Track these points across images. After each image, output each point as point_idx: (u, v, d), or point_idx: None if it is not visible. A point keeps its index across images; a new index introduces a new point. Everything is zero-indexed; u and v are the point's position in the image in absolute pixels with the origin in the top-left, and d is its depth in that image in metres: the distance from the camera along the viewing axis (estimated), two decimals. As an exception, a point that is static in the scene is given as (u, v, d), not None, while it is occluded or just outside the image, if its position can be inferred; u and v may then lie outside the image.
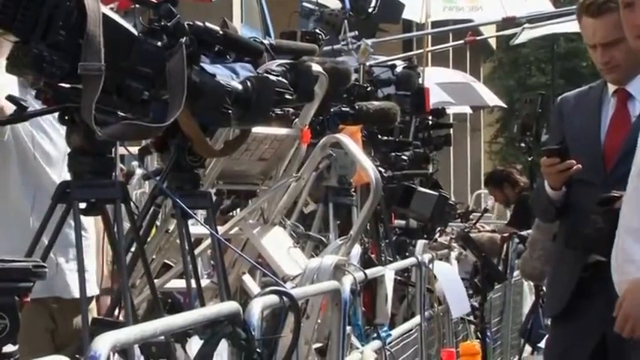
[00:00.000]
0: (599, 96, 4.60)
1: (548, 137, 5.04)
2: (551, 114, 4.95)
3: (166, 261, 4.65)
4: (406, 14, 8.27)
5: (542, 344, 7.50)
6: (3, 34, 3.37)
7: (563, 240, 4.53)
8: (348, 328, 4.50)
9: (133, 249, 3.83)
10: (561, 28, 12.33)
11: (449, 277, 6.87)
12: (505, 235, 9.13)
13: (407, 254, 7.03)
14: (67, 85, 3.33)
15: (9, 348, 2.47)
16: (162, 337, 3.45)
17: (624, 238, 3.57)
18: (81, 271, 3.51)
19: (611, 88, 4.59)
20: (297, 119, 4.66)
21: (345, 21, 6.56)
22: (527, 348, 8.53)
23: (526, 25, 10.79)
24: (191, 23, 3.59)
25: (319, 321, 4.59)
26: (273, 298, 3.60)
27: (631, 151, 4.05)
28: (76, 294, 4.00)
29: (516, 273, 8.77)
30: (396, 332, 5.70)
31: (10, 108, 3.79)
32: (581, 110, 4.62)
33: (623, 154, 4.32)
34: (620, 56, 4.44)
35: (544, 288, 7.40)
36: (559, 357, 4.59)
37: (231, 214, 5.57)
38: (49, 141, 4.25)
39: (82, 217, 3.56)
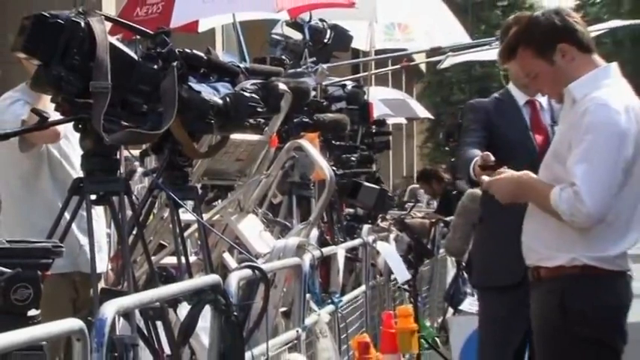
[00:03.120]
0: (516, 106, 4.51)
1: (472, 128, 4.57)
2: (469, 113, 4.61)
3: (161, 242, 4.62)
4: (354, 44, 8.24)
5: (462, 307, 7.52)
6: (29, 58, 3.34)
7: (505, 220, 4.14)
8: (308, 296, 4.49)
9: (134, 232, 3.80)
10: (477, 56, 12.38)
11: (391, 254, 6.88)
12: (433, 220, 9.14)
13: (355, 236, 7.01)
14: (81, 100, 3.31)
15: (33, 312, 2.44)
16: (158, 303, 3.43)
17: None
18: (92, 250, 3.49)
19: (521, 99, 4.52)
20: (266, 128, 4.63)
21: (306, 49, 6.54)
22: (450, 310, 8.54)
23: (449, 54, 10.81)
24: (181, 50, 3.57)
25: (284, 290, 4.58)
26: (248, 272, 3.60)
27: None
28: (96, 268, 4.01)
29: (442, 251, 8.79)
30: (346, 298, 5.69)
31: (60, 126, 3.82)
32: (504, 115, 4.49)
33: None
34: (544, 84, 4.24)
35: (463, 263, 7.42)
36: (503, 320, 4.39)
37: (214, 204, 5.54)
38: (73, 149, 4.23)
39: (95, 207, 3.54)
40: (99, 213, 4.16)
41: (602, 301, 3.57)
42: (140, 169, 6.08)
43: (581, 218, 3.45)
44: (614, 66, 3.70)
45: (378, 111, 10.52)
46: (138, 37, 3.72)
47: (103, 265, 4.03)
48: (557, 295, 3.60)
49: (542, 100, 4.51)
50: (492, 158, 3.85)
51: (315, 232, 5.17)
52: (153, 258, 4.01)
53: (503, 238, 4.19)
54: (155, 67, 3.45)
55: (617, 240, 3.54)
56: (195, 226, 4.51)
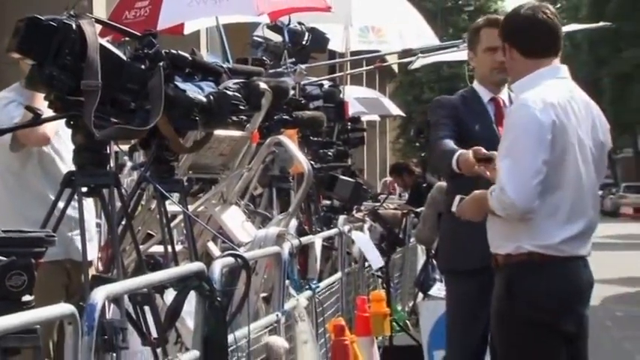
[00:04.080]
0: (481, 103, 4.51)
1: (442, 123, 4.48)
2: (438, 109, 4.54)
3: (149, 231, 4.60)
4: (331, 45, 8.22)
5: (431, 292, 7.53)
6: (23, 58, 3.32)
7: None
8: (287, 282, 4.49)
9: (123, 222, 3.78)
10: (446, 58, 12.39)
11: (366, 243, 6.88)
12: (404, 211, 9.15)
13: (331, 226, 7.01)
14: (73, 98, 3.28)
15: (26, 298, 2.43)
16: (146, 289, 3.41)
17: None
18: (83, 240, 3.47)
19: (486, 96, 4.52)
20: (248, 124, 4.63)
21: (285, 51, 6.52)
22: (420, 295, 8.57)
23: (420, 55, 10.80)
24: (167, 51, 3.55)
25: (265, 276, 4.57)
26: (230, 260, 3.59)
27: None
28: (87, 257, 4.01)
29: (412, 240, 8.81)
30: (323, 284, 5.69)
31: (50, 130, 3.79)
32: (471, 110, 4.48)
33: None
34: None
35: (432, 251, 7.43)
36: (469, 303, 4.37)
37: (199, 196, 5.52)
38: (65, 145, 4.20)
39: (85, 200, 3.52)
40: (89, 204, 4.14)
41: (547, 286, 3.59)
42: (129, 163, 6.06)
43: (509, 209, 3.54)
44: (563, 68, 3.75)
45: (353, 109, 10.52)
46: (126, 38, 3.70)
47: (92, 253, 4.02)
48: (506, 280, 3.65)
49: (505, 97, 4.54)
50: (483, 151, 3.88)
51: (294, 222, 5.16)
52: (141, 247, 4.00)
53: (467, 227, 4.13)
54: (143, 67, 3.43)
55: (558, 229, 3.60)
56: (181, 216, 4.50)
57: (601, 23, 16.58)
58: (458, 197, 3.80)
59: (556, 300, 3.61)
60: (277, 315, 4.29)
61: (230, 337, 3.45)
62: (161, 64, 3.43)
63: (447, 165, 4.15)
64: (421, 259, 8.77)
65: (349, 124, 8.16)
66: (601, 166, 3.77)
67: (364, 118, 13.39)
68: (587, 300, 3.73)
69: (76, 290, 4.13)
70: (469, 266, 4.40)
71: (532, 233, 3.59)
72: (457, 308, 4.54)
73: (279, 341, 4.12)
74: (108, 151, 3.49)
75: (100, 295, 2.50)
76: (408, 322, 8.31)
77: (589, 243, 3.72)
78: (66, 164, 4.12)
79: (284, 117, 5.67)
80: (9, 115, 4.11)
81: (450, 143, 4.27)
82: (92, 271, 4.00)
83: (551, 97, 3.60)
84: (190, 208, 4.46)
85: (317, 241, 5.69)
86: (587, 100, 3.77)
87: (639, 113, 38.52)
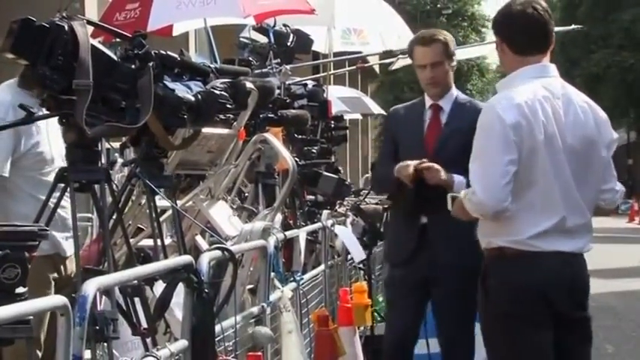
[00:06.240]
0: (421, 110, 4.77)
1: (384, 138, 5.23)
2: (384, 122, 5.21)
3: (139, 225, 4.58)
4: (314, 47, 8.23)
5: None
6: (16, 59, 3.30)
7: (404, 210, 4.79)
8: (273, 274, 4.48)
9: (114, 217, 3.77)
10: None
11: (349, 236, 6.88)
12: (385, 206, 9.13)
13: (315, 220, 7.00)
14: (65, 97, 3.26)
15: (20, 290, 2.42)
16: (136, 281, 3.40)
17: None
18: (75, 234, 3.45)
19: (428, 103, 4.73)
20: (235, 122, 4.61)
21: (271, 52, 6.51)
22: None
23: (400, 56, 10.80)
24: (157, 52, 3.54)
25: (251, 269, 4.56)
26: (218, 253, 3.58)
27: (441, 146, 4.60)
28: (69, 253, 4.13)
29: (393, 233, 8.78)
30: (307, 276, 5.68)
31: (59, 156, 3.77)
32: (409, 120, 4.79)
33: (437, 149, 4.63)
34: (441, 75, 4.57)
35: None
36: (395, 291, 4.86)
37: (188, 191, 5.49)
38: (56, 143, 4.18)
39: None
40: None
41: (518, 279, 3.55)
42: (120, 160, 6.03)
43: (480, 210, 3.54)
44: (551, 67, 3.70)
45: (336, 107, 10.51)
46: (117, 39, 3.69)
47: (72, 248, 4.02)
48: (483, 272, 3.66)
49: (446, 102, 4.71)
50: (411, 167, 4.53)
51: (279, 217, 5.16)
52: (131, 240, 3.98)
53: (399, 223, 4.83)
54: (133, 66, 3.42)
55: (528, 225, 3.55)
56: (170, 211, 4.48)
57: (572, 26, 16.65)
58: (449, 196, 3.80)
59: (526, 292, 3.56)
60: (263, 306, 4.28)
61: (217, 327, 3.44)
62: (150, 64, 3.42)
63: (391, 181, 4.68)
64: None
65: (332, 122, 8.15)
66: (594, 163, 3.64)
67: (347, 117, 13.37)
68: (566, 295, 3.62)
69: (65, 283, 4.13)
70: (394, 259, 4.93)
71: (502, 229, 3.56)
72: (389, 294, 5.02)
73: (264, 331, 4.11)
74: (99, 148, 3.48)
75: (91, 287, 2.48)
76: (388, 312, 8.29)
77: (573, 239, 3.63)
78: (55, 164, 4.11)
79: (269, 115, 5.66)
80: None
81: (383, 171, 4.80)
82: (73, 265, 3.99)
83: (518, 97, 3.53)
84: (179, 203, 4.45)
85: (301, 235, 5.69)
86: (572, 97, 3.65)
87: (610, 111, 38.59)
